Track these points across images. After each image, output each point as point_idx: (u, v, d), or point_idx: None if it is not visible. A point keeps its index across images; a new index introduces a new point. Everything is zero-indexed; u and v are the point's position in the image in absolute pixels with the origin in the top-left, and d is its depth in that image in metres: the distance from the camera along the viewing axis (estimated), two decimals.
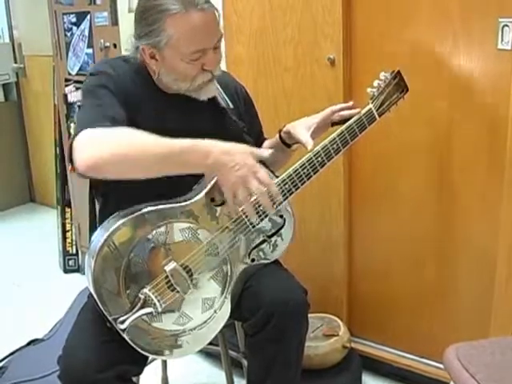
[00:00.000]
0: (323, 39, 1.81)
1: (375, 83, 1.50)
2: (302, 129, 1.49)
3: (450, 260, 1.79)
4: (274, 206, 1.30)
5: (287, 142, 1.55)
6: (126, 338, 1.23)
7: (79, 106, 2.76)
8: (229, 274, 1.36)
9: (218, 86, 1.49)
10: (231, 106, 1.50)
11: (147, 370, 1.41)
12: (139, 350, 1.26)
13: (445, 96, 1.68)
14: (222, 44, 1.48)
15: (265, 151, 1.30)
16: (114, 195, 1.42)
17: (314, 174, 1.41)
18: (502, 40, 1.52)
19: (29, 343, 2.16)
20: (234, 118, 1.49)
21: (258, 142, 1.59)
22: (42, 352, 2.08)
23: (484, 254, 1.71)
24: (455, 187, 1.73)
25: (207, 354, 2.20)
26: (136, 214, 1.25)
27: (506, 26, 1.50)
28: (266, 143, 1.62)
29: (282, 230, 1.44)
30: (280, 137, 1.55)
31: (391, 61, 1.74)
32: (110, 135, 1.21)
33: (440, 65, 1.66)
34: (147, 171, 1.21)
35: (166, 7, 1.28)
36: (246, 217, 1.35)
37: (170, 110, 1.42)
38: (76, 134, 1.23)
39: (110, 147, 1.18)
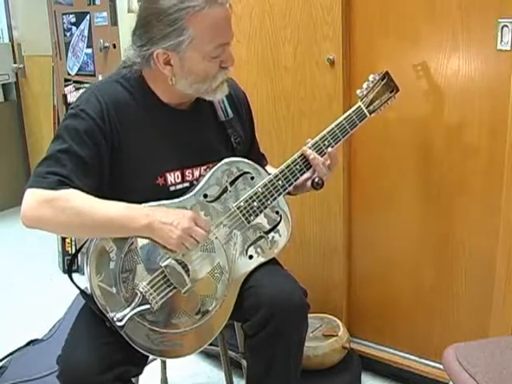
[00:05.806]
0: (323, 40, 1.81)
1: (364, 85, 1.54)
2: None
3: (450, 260, 1.79)
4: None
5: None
6: (124, 335, 1.24)
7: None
8: (226, 270, 1.37)
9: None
10: (231, 115, 1.49)
11: (146, 370, 1.40)
12: (137, 347, 1.26)
13: (444, 96, 1.68)
14: None
15: (207, 225, 1.31)
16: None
17: (307, 169, 1.45)
18: (502, 40, 1.52)
19: (28, 343, 2.16)
20: (231, 130, 1.48)
21: (250, 148, 1.57)
22: (41, 352, 2.08)
23: (483, 254, 1.71)
24: (455, 189, 1.73)
25: (206, 354, 2.20)
26: None
27: (506, 26, 1.50)
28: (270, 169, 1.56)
29: (279, 226, 1.44)
30: None
31: (391, 61, 1.74)
32: (51, 203, 1.22)
33: (439, 65, 1.66)
34: (89, 235, 1.29)
35: (187, 5, 1.24)
36: (241, 212, 1.37)
37: (180, 124, 1.41)
38: (28, 186, 1.25)
39: (47, 215, 1.22)
